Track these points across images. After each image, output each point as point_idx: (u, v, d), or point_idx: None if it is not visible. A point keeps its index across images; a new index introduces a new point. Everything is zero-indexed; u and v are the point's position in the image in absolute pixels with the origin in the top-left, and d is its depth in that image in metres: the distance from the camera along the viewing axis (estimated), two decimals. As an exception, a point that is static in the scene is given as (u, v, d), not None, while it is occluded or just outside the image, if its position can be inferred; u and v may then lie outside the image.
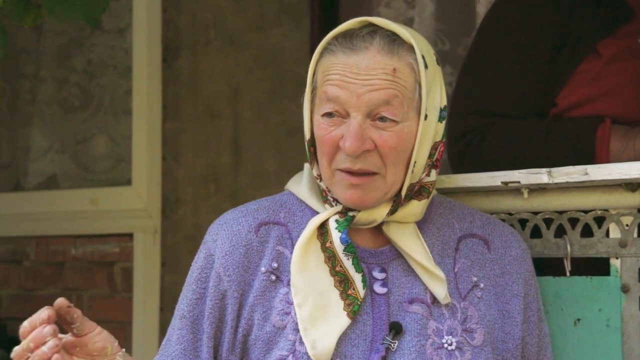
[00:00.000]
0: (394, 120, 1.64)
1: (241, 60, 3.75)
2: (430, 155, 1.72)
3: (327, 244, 1.70)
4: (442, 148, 1.75)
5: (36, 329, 1.53)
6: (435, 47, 3.45)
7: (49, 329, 1.53)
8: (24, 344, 1.53)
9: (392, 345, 1.66)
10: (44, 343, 1.52)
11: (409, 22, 3.58)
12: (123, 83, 4.05)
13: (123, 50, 4.04)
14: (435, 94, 1.69)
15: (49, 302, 1.59)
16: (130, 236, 3.89)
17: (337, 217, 1.71)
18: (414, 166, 1.68)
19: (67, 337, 1.60)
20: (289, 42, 3.65)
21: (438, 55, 1.75)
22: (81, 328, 1.58)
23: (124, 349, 1.63)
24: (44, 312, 1.54)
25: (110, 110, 4.10)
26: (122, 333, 3.76)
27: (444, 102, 1.72)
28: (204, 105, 3.82)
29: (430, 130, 1.69)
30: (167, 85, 3.89)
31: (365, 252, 1.73)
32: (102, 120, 4.11)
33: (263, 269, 1.72)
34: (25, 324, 1.54)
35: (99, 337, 1.60)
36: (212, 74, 3.81)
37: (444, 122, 1.72)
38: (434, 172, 1.75)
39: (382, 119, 1.64)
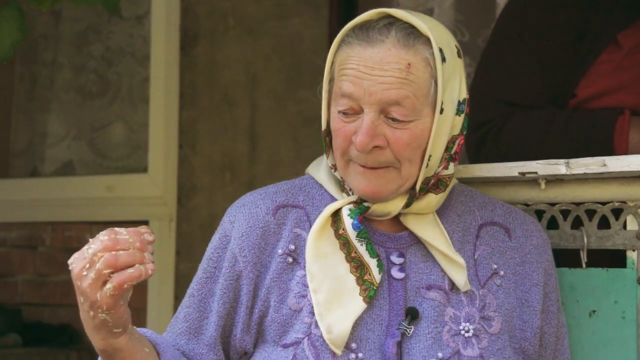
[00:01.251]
0: (405, 120, 1.64)
1: (259, 48, 3.75)
2: (448, 149, 1.71)
3: (340, 231, 1.70)
4: (462, 141, 1.74)
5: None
6: (455, 38, 3.43)
7: (151, 248, 1.54)
8: (126, 235, 1.52)
9: (408, 330, 1.66)
10: (145, 251, 1.52)
11: (428, 13, 3.56)
12: (141, 70, 4.05)
13: (141, 38, 4.05)
14: (454, 88, 1.68)
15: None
16: (145, 223, 3.87)
17: (351, 205, 1.70)
18: (428, 160, 1.67)
19: None
20: (308, 32, 3.64)
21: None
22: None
23: None
24: (151, 235, 1.55)
25: (127, 98, 4.11)
26: (136, 320, 3.74)
27: (463, 95, 1.70)
28: (221, 94, 3.82)
29: (447, 125, 1.68)
30: (184, 73, 3.89)
31: (384, 236, 1.73)
32: (119, 107, 4.12)
33: (280, 251, 1.72)
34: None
35: None
36: (229, 62, 3.81)
37: (462, 115, 1.70)
38: (452, 166, 1.74)
39: (394, 119, 1.64)
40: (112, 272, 1.50)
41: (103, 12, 3.95)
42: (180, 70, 3.90)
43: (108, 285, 1.50)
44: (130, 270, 1.50)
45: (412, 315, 1.67)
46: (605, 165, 1.78)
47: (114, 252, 1.50)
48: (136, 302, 3.85)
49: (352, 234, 1.69)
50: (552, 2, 2.10)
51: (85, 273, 1.50)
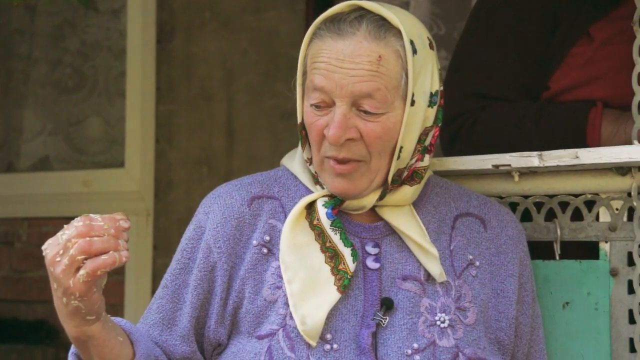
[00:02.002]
0: (377, 113, 1.64)
1: (236, 42, 3.74)
2: (421, 141, 1.71)
3: (315, 222, 1.69)
4: (437, 133, 1.74)
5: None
6: (431, 31, 3.43)
7: (126, 235, 1.53)
8: (101, 221, 1.51)
9: (383, 321, 1.66)
10: (119, 238, 1.51)
11: (404, 6, 3.56)
12: (117, 65, 4.04)
13: (117, 32, 4.03)
14: (425, 79, 1.68)
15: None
16: (122, 218, 3.88)
17: (326, 198, 1.71)
18: (400, 152, 1.67)
19: None
20: (284, 25, 3.64)
21: (433, 39, 1.73)
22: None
23: None
24: (127, 221, 1.53)
25: (103, 92, 4.09)
26: (114, 315, 3.75)
27: (436, 87, 1.70)
28: (198, 88, 3.81)
29: (418, 116, 1.68)
30: (161, 67, 3.88)
31: (359, 226, 1.73)
32: (95, 102, 4.10)
33: (255, 242, 1.71)
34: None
35: None
36: (206, 56, 3.80)
37: (435, 107, 1.70)
38: (427, 157, 1.74)
39: (366, 111, 1.64)
40: (86, 259, 1.48)
41: (79, 6, 3.93)
42: (156, 64, 3.89)
43: (81, 272, 1.48)
44: (104, 257, 1.48)
45: (387, 305, 1.67)
46: (577, 157, 1.79)
47: (88, 239, 1.48)
48: (113, 297, 3.84)
49: (326, 223, 1.69)
50: (524, -5, 2.10)
51: (58, 259, 1.49)
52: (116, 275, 3.86)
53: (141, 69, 3.87)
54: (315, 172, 1.73)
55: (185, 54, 3.84)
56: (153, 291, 3.76)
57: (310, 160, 1.74)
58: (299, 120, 1.73)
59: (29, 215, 4.09)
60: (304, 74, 1.70)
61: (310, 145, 1.72)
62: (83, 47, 4.14)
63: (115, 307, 3.82)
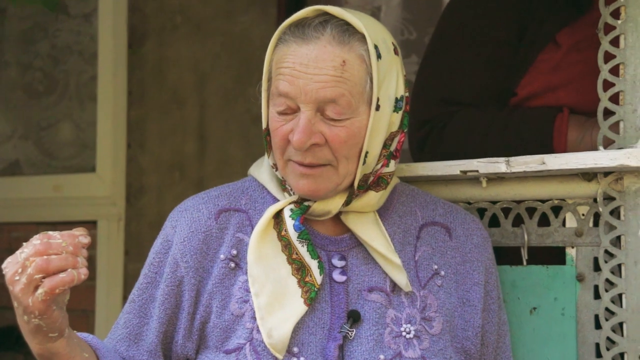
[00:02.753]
0: (342, 119, 1.64)
1: (208, 47, 3.73)
2: (386, 146, 1.71)
3: (283, 233, 1.69)
4: (403, 138, 1.74)
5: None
6: (402, 36, 3.45)
7: (85, 251, 1.53)
8: (59, 239, 1.50)
9: (350, 333, 1.66)
10: (78, 255, 1.51)
11: (376, 11, 3.58)
12: (88, 69, 4.01)
13: (88, 36, 4.01)
14: (390, 84, 1.68)
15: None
16: (94, 224, 3.87)
17: (292, 206, 1.70)
18: (365, 157, 1.67)
19: None
20: (256, 30, 3.64)
21: (404, 44, 1.74)
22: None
23: None
24: (86, 237, 1.53)
25: (75, 96, 4.06)
26: (85, 321, 3.74)
27: (401, 92, 1.71)
28: (169, 92, 3.80)
29: (384, 121, 1.68)
30: (132, 71, 3.87)
31: (326, 239, 1.73)
32: (66, 106, 4.08)
33: (222, 256, 1.71)
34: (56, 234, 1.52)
35: None
36: (178, 60, 3.79)
37: (400, 112, 1.71)
38: (392, 163, 1.74)
39: (331, 118, 1.64)
40: (44, 277, 1.48)
41: (49, 11, 3.90)
42: (128, 68, 3.87)
43: (40, 290, 1.48)
44: (62, 275, 1.48)
45: (354, 318, 1.67)
46: (544, 163, 1.80)
47: (45, 257, 1.48)
48: (84, 303, 3.82)
49: (293, 235, 1.68)
50: (493, 2, 2.11)
51: (17, 278, 1.48)
52: (87, 281, 3.81)
53: (112, 74, 3.86)
54: (282, 178, 1.73)
55: (156, 58, 3.83)
56: (124, 297, 3.75)
57: (275, 166, 1.73)
58: (264, 126, 1.72)
59: (-1, 221, 4.07)
60: (269, 79, 1.70)
61: (273, 152, 1.72)
62: (54, 51, 4.12)
63: (87, 312, 3.79)
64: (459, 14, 2.16)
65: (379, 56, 1.66)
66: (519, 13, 2.08)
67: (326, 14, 1.67)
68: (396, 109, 1.70)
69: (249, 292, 1.68)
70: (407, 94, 1.73)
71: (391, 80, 1.68)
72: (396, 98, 1.70)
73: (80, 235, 1.53)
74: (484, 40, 2.09)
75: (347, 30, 1.65)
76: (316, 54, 1.62)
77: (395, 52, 1.71)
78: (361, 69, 1.64)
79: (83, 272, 1.50)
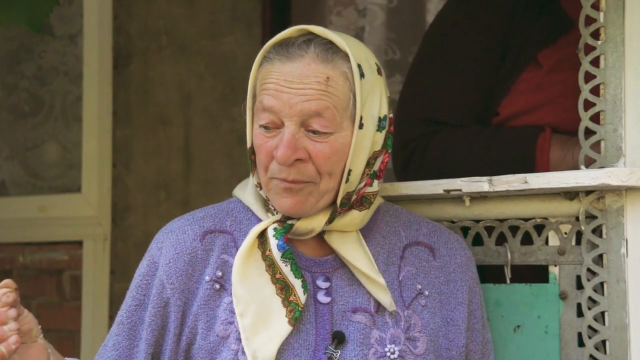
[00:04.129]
0: (326, 133, 1.65)
1: (193, 67, 3.74)
2: (370, 165, 1.72)
3: (267, 252, 1.70)
4: (387, 159, 1.76)
5: None
6: (386, 56, 3.47)
7: (13, 311, 1.52)
8: None
9: (335, 354, 1.67)
10: (5, 323, 1.51)
11: (360, 31, 3.60)
12: (74, 89, 4.02)
13: (74, 57, 4.02)
14: (373, 103, 1.70)
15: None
16: (79, 244, 3.86)
17: (276, 225, 1.71)
18: (348, 175, 1.69)
19: None
20: (241, 50, 3.65)
21: (388, 64, 1.76)
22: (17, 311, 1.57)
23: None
24: (9, 296, 1.52)
25: (60, 117, 4.07)
26: (71, 342, 3.73)
27: (384, 112, 1.72)
28: (155, 112, 3.81)
29: (367, 140, 1.69)
30: (118, 91, 3.87)
31: (310, 260, 1.74)
32: (52, 126, 4.08)
33: (207, 278, 1.72)
34: None
35: (26, 319, 1.59)
36: (163, 81, 3.80)
37: (384, 132, 1.72)
38: (376, 183, 1.75)
39: (315, 131, 1.65)
40: None
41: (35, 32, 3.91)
42: (113, 88, 3.88)
43: None
44: None
45: (339, 339, 1.68)
46: (526, 182, 1.82)
47: None
48: (70, 324, 3.82)
49: (277, 254, 1.69)
50: (475, 22, 2.13)
51: None
52: (73, 301, 3.83)
53: (98, 94, 3.86)
54: (266, 197, 1.74)
55: (142, 79, 3.83)
56: (110, 316, 3.74)
57: (259, 185, 1.74)
58: (249, 144, 1.74)
59: (-16, 241, 4.05)
60: (254, 97, 1.71)
61: (257, 170, 1.73)
62: (39, 72, 4.12)
63: (73, 333, 3.78)
64: (441, 34, 2.18)
65: (362, 75, 1.67)
66: (501, 33, 2.10)
67: (310, 33, 1.69)
68: (379, 128, 1.71)
69: (234, 313, 1.68)
70: (390, 115, 1.75)
71: (374, 99, 1.70)
72: (379, 117, 1.71)
73: (3, 295, 1.52)
74: (466, 60, 2.11)
75: (331, 48, 1.67)
76: (300, 71, 1.64)
77: (379, 72, 1.73)
78: (345, 85, 1.66)
79: (12, 342, 1.50)
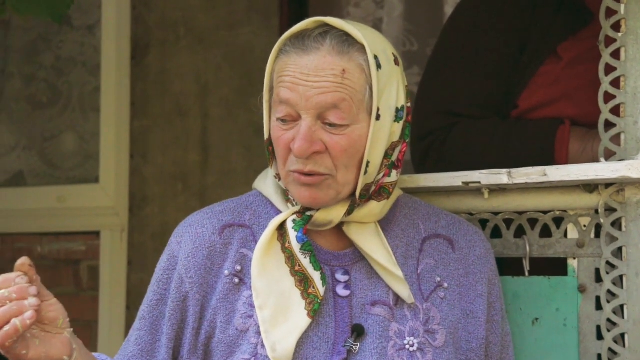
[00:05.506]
0: (343, 125, 1.65)
1: (210, 58, 3.75)
2: (388, 156, 1.72)
3: (287, 245, 1.70)
4: (405, 148, 1.76)
5: (16, 285, 1.52)
6: (404, 47, 3.47)
7: (34, 289, 1.52)
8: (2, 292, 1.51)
9: (354, 347, 1.67)
10: (25, 298, 1.51)
11: (378, 22, 3.59)
12: (92, 80, 4.03)
13: (92, 47, 4.03)
14: (391, 95, 1.69)
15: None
16: (97, 234, 3.88)
17: (294, 217, 1.71)
18: (367, 167, 1.69)
19: None
20: (258, 41, 3.66)
21: (405, 55, 1.75)
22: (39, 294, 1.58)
23: (72, 329, 1.63)
24: (24, 278, 1.52)
25: (78, 108, 4.08)
26: (88, 332, 3.75)
27: (402, 102, 1.72)
28: (172, 103, 3.81)
29: (384, 131, 1.69)
30: (135, 82, 3.88)
31: (329, 254, 1.74)
32: (70, 117, 4.10)
33: (226, 272, 1.72)
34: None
35: (52, 307, 1.59)
36: (181, 72, 3.81)
37: (401, 122, 1.72)
38: (394, 173, 1.75)
39: (331, 124, 1.65)
40: None
41: (53, 22, 3.92)
42: (131, 79, 3.89)
43: None
44: (5, 329, 1.49)
45: (358, 332, 1.68)
46: (545, 174, 1.81)
47: None
48: (88, 314, 3.83)
49: (296, 246, 1.69)
50: (495, 15, 2.12)
51: None
52: (90, 291, 3.85)
53: (116, 85, 3.87)
54: (286, 188, 1.74)
55: (159, 70, 3.84)
56: (127, 306, 3.76)
57: (278, 176, 1.75)
58: (266, 136, 1.74)
59: (3, 231, 4.07)
60: (271, 89, 1.72)
61: (277, 161, 1.73)
62: (57, 62, 4.14)
63: (90, 323, 3.80)
64: (461, 26, 2.17)
65: (379, 66, 1.67)
66: (521, 26, 2.09)
67: (326, 25, 1.69)
68: (397, 119, 1.71)
69: (254, 307, 1.68)
70: (408, 104, 1.75)
71: (392, 90, 1.70)
72: (397, 108, 1.71)
73: (17, 277, 1.52)
74: (486, 53, 2.10)
75: (347, 40, 1.67)
76: (316, 64, 1.64)
77: (396, 63, 1.72)
78: (361, 78, 1.66)
79: (27, 317, 1.50)
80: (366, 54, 1.66)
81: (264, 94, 1.73)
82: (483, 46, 2.11)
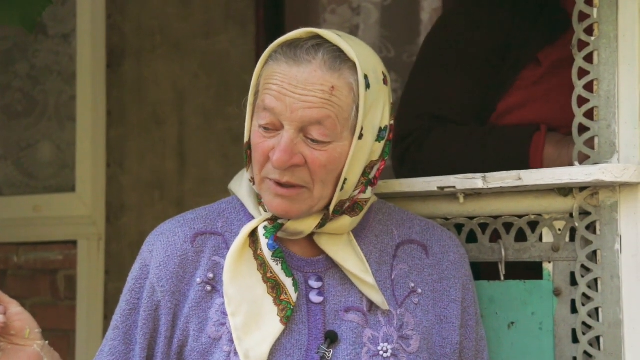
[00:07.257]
0: (325, 142, 1.64)
1: (187, 66, 3.74)
2: (366, 174, 1.71)
3: (258, 252, 1.69)
4: (383, 166, 1.75)
5: None
6: (381, 54, 3.47)
7: None
8: None
9: (327, 354, 1.66)
10: None
11: (354, 29, 3.59)
12: (67, 89, 4.01)
13: (67, 56, 4.01)
14: (376, 114, 1.69)
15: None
16: (74, 243, 3.85)
17: (266, 224, 1.70)
18: (344, 183, 1.68)
19: None
20: (235, 49, 3.65)
21: (382, 62, 1.74)
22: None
23: (47, 341, 1.60)
24: None
25: (54, 117, 4.05)
26: (66, 341, 3.73)
27: (386, 122, 1.71)
28: (149, 112, 3.80)
29: (365, 150, 1.68)
30: (111, 91, 3.87)
31: (302, 261, 1.73)
32: (46, 126, 4.07)
33: (198, 280, 1.71)
34: None
35: (18, 316, 1.57)
36: (157, 79, 3.79)
37: (383, 141, 1.71)
38: (369, 190, 1.74)
39: (313, 139, 1.64)
40: None
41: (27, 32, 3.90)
42: (107, 88, 3.87)
43: None
44: None
45: (332, 338, 1.67)
46: (520, 179, 1.81)
47: None
48: (65, 323, 3.81)
49: (267, 253, 1.69)
50: (477, 22, 2.14)
51: None
52: (68, 301, 3.83)
53: (92, 93, 3.85)
54: (258, 193, 1.73)
55: (135, 78, 3.83)
56: (105, 315, 3.73)
57: (253, 180, 1.74)
58: (246, 139, 1.73)
59: (-21, 242, 4.04)
60: (256, 93, 1.70)
61: (252, 166, 1.72)
62: (33, 71, 4.11)
63: (68, 332, 3.78)
64: (444, 33, 2.19)
65: (367, 86, 1.66)
66: (503, 33, 2.11)
67: (319, 37, 1.67)
68: (379, 138, 1.70)
69: (226, 315, 1.68)
70: (391, 122, 1.74)
71: (377, 110, 1.69)
72: (380, 128, 1.70)
73: None
74: (468, 58, 2.12)
75: (339, 57, 1.65)
76: (306, 77, 1.63)
77: (385, 82, 1.71)
78: (349, 96, 1.65)
79: None
80: (357, 72, 1.65)
81: (248, 96, 1.72)
82: (465, 53, 2.13)
